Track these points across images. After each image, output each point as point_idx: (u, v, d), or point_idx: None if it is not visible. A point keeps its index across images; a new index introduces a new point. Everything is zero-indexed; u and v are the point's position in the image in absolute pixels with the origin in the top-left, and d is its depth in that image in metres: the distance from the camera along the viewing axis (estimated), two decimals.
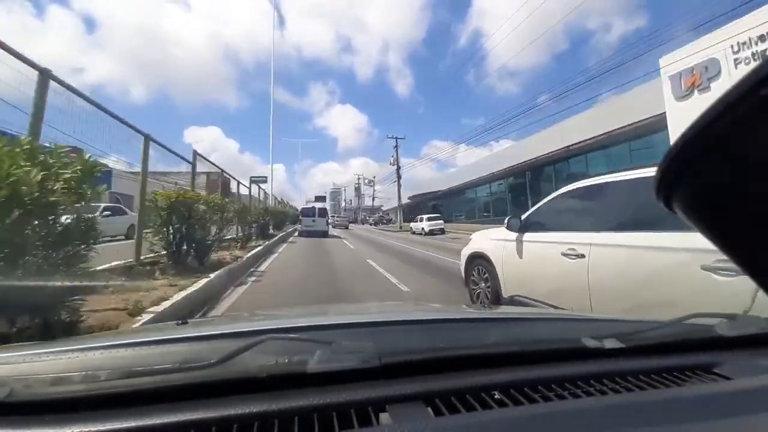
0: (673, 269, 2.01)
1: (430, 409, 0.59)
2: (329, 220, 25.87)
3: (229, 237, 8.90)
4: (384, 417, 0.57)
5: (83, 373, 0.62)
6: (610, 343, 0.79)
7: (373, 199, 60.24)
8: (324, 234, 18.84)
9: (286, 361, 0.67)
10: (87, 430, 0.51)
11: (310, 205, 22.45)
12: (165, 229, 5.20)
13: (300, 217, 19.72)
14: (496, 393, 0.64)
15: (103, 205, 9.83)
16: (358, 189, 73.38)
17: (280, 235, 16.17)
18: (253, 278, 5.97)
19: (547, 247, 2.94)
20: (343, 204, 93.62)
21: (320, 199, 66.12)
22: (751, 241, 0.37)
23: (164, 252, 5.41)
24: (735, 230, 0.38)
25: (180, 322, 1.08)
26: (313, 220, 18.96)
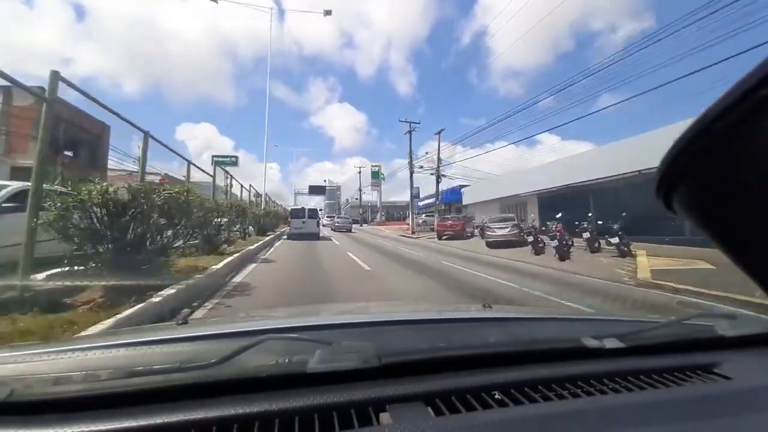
0: None
1: (430, 409, 0.59)
2: (322, 221, 23.16)
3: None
4: (384, 417, 0.57)
5: (84, 373, 0.62)
6: (610, 343, 0.79)
7: (436, 180, 24.27)
8: (315, 236, 16.81)
9: (287, 361, 0.67)
10: (87, 429, 0.51)
11: (299, 206, 20.16)
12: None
13: (289, 219, 17.73)
14: (496, 393, 0.64)
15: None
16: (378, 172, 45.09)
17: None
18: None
19: None
20: (347, 200, 72.78)
21: (317, 190, 54.37)
22: (750, 241, 0.37)
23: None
24: (735, 230, 0.38)
25: (180, 322, 1.08)
26: (303, 222, 17.05)
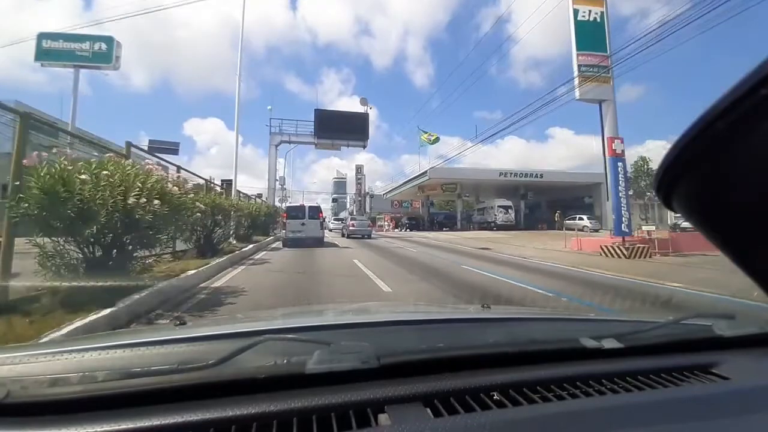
0: None
1: (428, 410, 0.59)
2: (328, 225, 18.65)
3: None
4: (383, 418, 0.57)
5: (81, 374, 0.62)
6: (608, 344, 0.79)
7: None
8: (317, 242, 13.10)
9: (285, 361, 0.67)
10: (84, 431, 0.51)
11: (297, 204, 15.23)
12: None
13: (285, 220, 13.62)
14: (495, 394, 0.64)
15: None
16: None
17: None
18: None
19: None
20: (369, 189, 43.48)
21: (338, 127, 21.63)
22: (750, 240, 0.37)
23: None
24: (734, 229, 0.38)
25: (178, 322, 1.08)
26: (302, 223, 13.17)
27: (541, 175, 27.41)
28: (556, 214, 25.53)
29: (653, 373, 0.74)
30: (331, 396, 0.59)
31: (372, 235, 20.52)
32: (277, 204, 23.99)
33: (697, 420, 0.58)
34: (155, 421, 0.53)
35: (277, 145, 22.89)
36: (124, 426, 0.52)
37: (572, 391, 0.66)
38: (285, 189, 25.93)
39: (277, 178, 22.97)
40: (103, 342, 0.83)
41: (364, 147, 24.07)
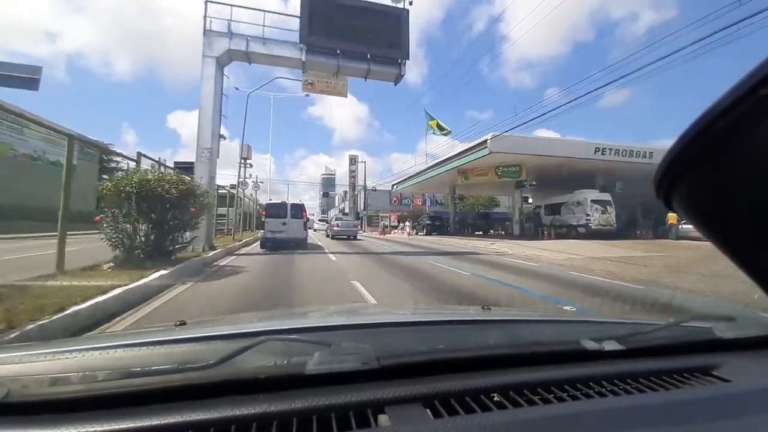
0: None
1: (429, 411, 0.58)
2: (313, 225, 16.96)
3: None
4: (383, 419, 0.57)
5: (81, 373, 0.62)
6: (609, 345, 0.79)
7: None
8: (300, 244, 11.46)
9: (285, 362, 0.67)
10: (84, 430, 0.51)
11: (279, 201, 13.17)
12: None
13: (264, 219, 11.91)
14: (495, 395, 0.64)
15: None
16: None
17: None
18: None
19: None
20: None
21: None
22: (750, 241, 0.37)
23: None
24: (734, 230, 0.38)
25: (178, 323, 1.08)
26: (284, 223, 11.47)
27: (651, 155, 16.74)
28: (669, 216, 16.64)
29: (654, 375, 0.74)
30: (331, 396, 0.59)
31: (370, 238, 18.02)
32: (227, 190, 15.45)
33: (698, 422, 0.58)
34: (155, 421, 0.53)
35: (219, 60, 9.56)
36: (124, 426, 0.52)
37: (573, 392, 0.66)
38: (249, 164, 16.48)
39: (223, 135, 10.79)
40: (104, 342, 0.83)
41: (397, 81, 11.04)
